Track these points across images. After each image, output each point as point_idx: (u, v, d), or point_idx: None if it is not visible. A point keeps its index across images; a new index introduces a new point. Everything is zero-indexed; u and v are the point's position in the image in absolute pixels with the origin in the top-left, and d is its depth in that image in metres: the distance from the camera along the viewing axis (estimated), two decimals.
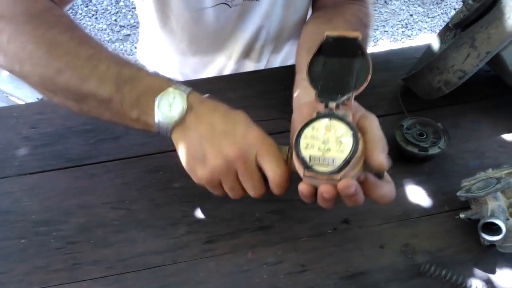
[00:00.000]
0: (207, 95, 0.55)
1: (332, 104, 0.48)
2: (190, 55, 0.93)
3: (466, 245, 0.58)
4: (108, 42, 2.29)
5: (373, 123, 0.48)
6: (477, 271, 0.56)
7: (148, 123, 0.54)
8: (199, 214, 0.62)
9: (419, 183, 0.65)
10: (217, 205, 0.62)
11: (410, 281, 0.55)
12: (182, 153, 0.53)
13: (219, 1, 0.80)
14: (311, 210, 0.61)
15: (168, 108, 0.52)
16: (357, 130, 0.46)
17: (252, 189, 0.52)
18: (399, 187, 0.64)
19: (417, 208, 0.62)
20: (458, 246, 0.58)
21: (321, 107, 0.48)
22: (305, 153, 0.47)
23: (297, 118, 0.53)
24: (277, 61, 0.96)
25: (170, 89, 0.53)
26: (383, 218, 0.61)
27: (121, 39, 2.31)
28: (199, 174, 0.53)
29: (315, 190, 0.48)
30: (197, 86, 0.81)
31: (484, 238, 0.55)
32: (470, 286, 0.53)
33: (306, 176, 0.47)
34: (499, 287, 0.54)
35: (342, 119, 0.47)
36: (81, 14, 2.44)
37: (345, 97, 0.48)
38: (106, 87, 0.54)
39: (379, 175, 0.49)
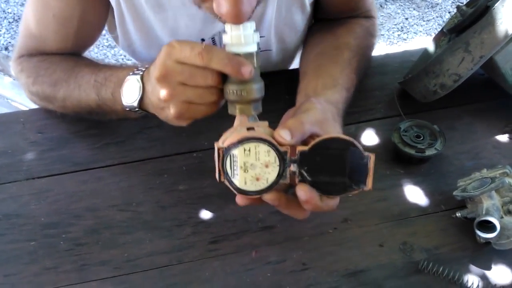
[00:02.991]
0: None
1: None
2: None
3: (462, 243, 0.60)
4: (107, 47, 2.31)
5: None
6: (473, 268, 0.58)
7: (126, 110, 0.61)
8: (203, 215, 0.64)
9: (416, 183, 0.67)
10: (221, 206, 0.64)
11: (408, 277, 0.57)
12: (156, 113, 0.58)
13: None
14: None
15: (129, 92, 0.59)
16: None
17: (207, 82, 0.51)
18: (397, 188, 0.66)
19: (415, 207, 0.64)
20: (455, 244, 0.60)
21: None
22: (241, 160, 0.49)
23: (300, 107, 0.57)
24: None
25: (129, 77, 0.59)
26: (381, 217, 0.63)
27: None
28: (168, 113, 0.54)
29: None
30: None
31: (479, 236, 0.57)
32: (467, 282, 0.55)
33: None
34: (495, 283, 0.56)
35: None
36: (105, 23, 2.46)
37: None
38: (91, 97, 0.65)
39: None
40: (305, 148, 0.49)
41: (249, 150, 0.49)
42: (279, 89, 0.79)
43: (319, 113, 0.55)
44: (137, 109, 0.59)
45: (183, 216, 0.63)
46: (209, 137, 0.73)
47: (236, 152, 0.49)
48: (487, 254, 0.59)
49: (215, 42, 0.78)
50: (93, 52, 2.27)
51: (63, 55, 0.74)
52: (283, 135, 0.49)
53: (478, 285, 0.55)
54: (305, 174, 0.50)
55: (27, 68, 0.74)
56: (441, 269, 0.56)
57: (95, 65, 0.70)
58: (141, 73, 0.59)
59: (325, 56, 0.72)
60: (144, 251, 0.60)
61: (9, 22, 2.47)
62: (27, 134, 0.74)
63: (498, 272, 0.58)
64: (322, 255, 0.59)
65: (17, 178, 0.68)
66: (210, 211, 0.64)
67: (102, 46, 2.31)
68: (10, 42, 2.35)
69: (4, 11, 2.53)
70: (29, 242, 0.61)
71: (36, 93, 0.73)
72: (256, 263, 0.59)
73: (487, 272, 0.58)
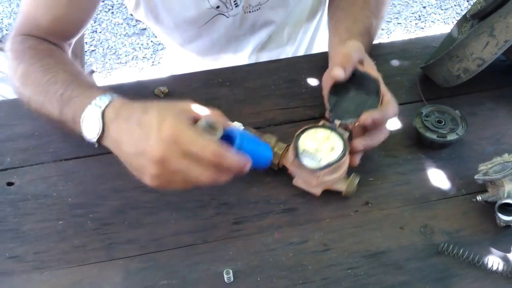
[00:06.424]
0: (125, 101, 0.57)
1: (337, 122, 0.63)
2: (205, 57, 0.97)
3: (482, 226, 0.61)
4: (125, 36, 2.33)
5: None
6: (493, 250, 0.58)
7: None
8: (226, 197, 0.65)
9: (437, 168, 0.67)
10: (243, 189, 0.65)
11: (429, 259, 0.58)
12: (128, 166, 0.56)
13: (213, 13, 0.83)
14: (333, 194, 0.63)
15: (88, 127, 0.57)
16: (348, 148, 0.61)
17: (198, 178, 0.51)
18: (418, 172, 0.67)
19: (436, 191, 0.65)
20: (475, 227, 0.61)
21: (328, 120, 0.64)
22: (301, 145, 0.61)
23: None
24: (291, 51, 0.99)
25: (90, 107, 0.56)
26: (402, 201, 0.64)
27: (137, 33, 2.35)
28: (148, 182, 0.53)
29: None
30: (218, 76, 0.84)
31: (500, 219, 0.58)
32: (487, 264, 0.56)
33: (292, 164, 0.61)
34: None
35: (340, 135, 0.62)
36: (97, 9, 2.48)
37: (350, 120, 0.63)
38: (54, 111, 0.62)
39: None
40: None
41: (303, 150, 0.61)
42: (300, 72, 0.80)
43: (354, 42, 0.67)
44: (97, 142, 0.57)
45: (206, 198, 0.65)
46: (230, 119, 0.74)
47: (302, 160, 0.60)
48: (507, 237, 0.60)
49: None
50: (111, 41, 2.30)
51: (52, 50, 0.72)
52: (337, 72, 0.62)
53: (498, 267, 0.56)
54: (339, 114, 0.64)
55: (17, 51, 0.71)
56: (461, 251, 0.57)
57: (70, 75, 0.65)
58: (102, 108, 0.56)
59: (340, 9, 0.78)
60: (169, 230, 0.62)
61: None
62: None
63: None
64: (343, 236, 0.60)
65: (45, 160, 0.70)
66: (233, 193, 0.65)
67: (120, 35, 2.33)
68: None
69: None
70: (58, 222, 0.63)
71: (13, 81, 0.70)
72: (279, 243, 0.60)
73: (507, 255, 0.58)
